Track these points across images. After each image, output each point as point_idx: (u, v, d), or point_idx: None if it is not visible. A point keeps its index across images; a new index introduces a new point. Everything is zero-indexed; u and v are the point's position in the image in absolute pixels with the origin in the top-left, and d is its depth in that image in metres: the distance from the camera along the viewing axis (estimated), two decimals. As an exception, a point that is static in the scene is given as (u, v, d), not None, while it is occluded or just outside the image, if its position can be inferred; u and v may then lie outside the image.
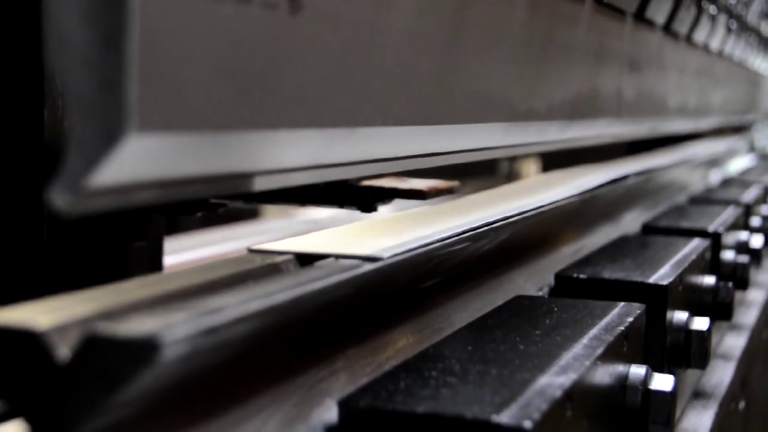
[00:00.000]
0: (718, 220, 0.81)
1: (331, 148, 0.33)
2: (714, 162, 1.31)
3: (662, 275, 0.54)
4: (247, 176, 0.30)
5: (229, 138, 0.27)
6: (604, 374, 0.39)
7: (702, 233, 0.75)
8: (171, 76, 0.24)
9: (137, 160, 0.23)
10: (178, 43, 0.24)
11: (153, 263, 0.51)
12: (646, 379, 0.43)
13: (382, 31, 0.35)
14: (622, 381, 0.43)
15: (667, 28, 0.86)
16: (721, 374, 0.69)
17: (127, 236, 0.49)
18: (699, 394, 0.65)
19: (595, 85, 0.66)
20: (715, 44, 1.13)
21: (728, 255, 0.78)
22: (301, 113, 0.30)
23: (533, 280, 0.55)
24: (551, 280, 0.55)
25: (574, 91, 0.61)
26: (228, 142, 0.27)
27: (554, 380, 0.33)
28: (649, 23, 0.79)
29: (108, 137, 0.22)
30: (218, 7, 0.25)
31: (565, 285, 0.53)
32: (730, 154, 1.51)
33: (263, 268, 0.35)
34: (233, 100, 0.26)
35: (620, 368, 0.42)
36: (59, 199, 0.22)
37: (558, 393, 0.32)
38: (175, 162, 0.25)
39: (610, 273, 0.54)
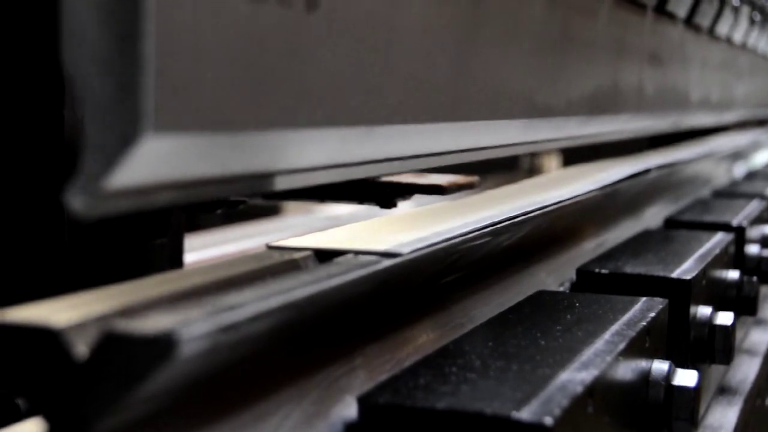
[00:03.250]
0: (742, 213, 0.80)
1: (349, 146, 0.33)
2: (738, 155, 1.30)
3: (685, 270, 0.54)
4: (265, 176, 0.30)
5: (246, 138, 0.27)
6: (627, 370, 0.38)
7: (726, 227, 0.74)
8: (187, 76, 0.23)
9: (154, 162, 0.23)
10: (194, 43, 0.24)
11: (173, 260, 0.51)
12: (669, 375, 0.43)
13: (399, 27, 0.35)
14: (645, 377, 0.42)
15: (689, 21, 0.85)
16: (746, 370, 0.69)
17: (148, 233, 0.49)
18: (724, 390, 0.64)
19: (616, 80, 0.65)
20: (738, 37, 1.12)
21: (753, 249, 0.78)
22: (319, 112, 0.30)
23: (555, 275, 0.55)
24: (573, 275, 0.54)
25: (593, 87, 0.60)
26: (245, 142, 0.27)
27: (576, 376, 0.33)
28: (671, 16, 0.78)
29: (124, 139, 0.22)
30: (234, 6, 0.25)
31: (587, 280, 0.53)
32: (755, 146, 1.49)
33: (282, 264, 0.35)
34: (250, 100, 0.26)
35: (643, 364, 0.42)
36: (76, 201, 0.22)
37: (579, 389, 0.31)
38: (193, 163, 0.25)
39: (632, 268, 0.54)
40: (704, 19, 0.90)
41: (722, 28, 1.01)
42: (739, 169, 1.29)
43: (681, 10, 0.80)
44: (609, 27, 0.62)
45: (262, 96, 0.27)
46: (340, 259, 0.36)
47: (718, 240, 0.65)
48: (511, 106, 0.47)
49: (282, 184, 0.31)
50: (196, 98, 0.24)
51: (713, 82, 1.04)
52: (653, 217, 0.79)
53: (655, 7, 0.73)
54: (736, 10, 1.04)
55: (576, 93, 0.57)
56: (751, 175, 1.27)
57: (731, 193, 1.01)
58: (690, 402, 0.44)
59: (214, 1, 0.24)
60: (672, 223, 0.77)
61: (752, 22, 1.17)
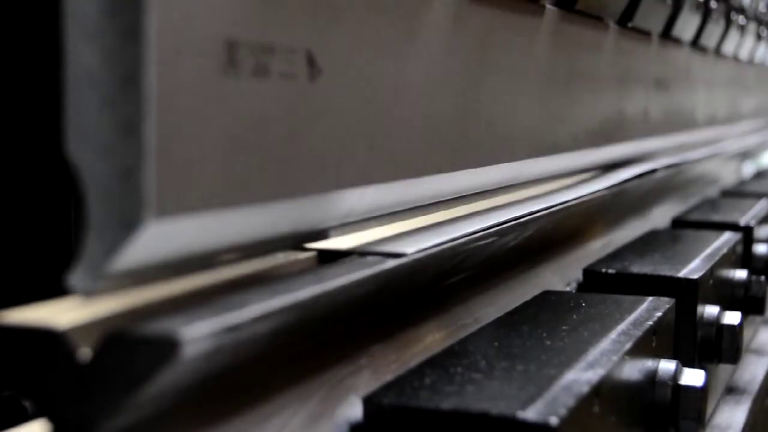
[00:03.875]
0: (750, 213, 0.80)
1: (353, 206, 0.34)
2: (746, 154, 1.30)
3: (692, 269, 0.53)
4: (269, 242, 0.30)
5: (249, 212, 0.27)
6: (633, 370, 0.38)
7: (733, 227, 0.74)
8: (190, 160, 0.24)
9: (156, 245, 0.24)
10: (197, 126, 0.24)
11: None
12: (676, 375, 0.43)
13: (402, 84, 0.35)
14: (652, 376, 0.42)
15: (695, 44, 0.85)
16: (754, 370, 0.69)
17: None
18: (732, 390, 0.64)
19: (623, 109, 0.65)
20: (744, 53, 1.11)
21: (761, 248, 0.77)
22: (326, 177, 0.30)
23: (561, 275, 0.55)
24: (579, 275, 0.54)
25: (601, 118, 0.60)
26: (248, 216, 0.27)
27: (581, 376, 0.33)
28: (676, 41, 0.78)
29: (126, 225, 0.23)
30: (237, 86, 0.25)
31: (594, 280, 0.53)
32: (763, 146, 1.49)
33: (286, 265, 0.35)
34: (253, 174, 0.27)
35: (649, 363, 0.41)
36: (79, 283, 0.23)
37: (585, 389, 0.31)
38: (196, 240, 0.25)
39: (639, 267, 0.53)
40: (710, 40, 0.90)
41: (729, 47, 1.00)
42: (748, 169, 1.28)
43: (686, 34, 0.80)
44: (615, 58, 0.62)
45: (266, 169, 0.27)
46: (345, 259, 0.36)
47: (725, 240, 0.65)
48: (516, 148, 0.47)
49: (282, 246, 0.31)
50: (199, 180, 0.24)
51: (720, 99, 1.03)
52: (660, 216, 0.78)
53: (660, 34, 0.73)
54: (742, 29, 1.03)
55: (583, 127, 0.57)
56: (760, 175, 1.26)
57: (739, 192, 1.01)
58: (697, 402, 0.43)
59: (218, 83, 0.24)
60: (679, 223, 0.76)
61: (759, 37, 1.17)
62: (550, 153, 0.52)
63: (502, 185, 0.49)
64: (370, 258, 0.35)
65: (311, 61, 0.29)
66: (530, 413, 0.29)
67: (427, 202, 0.41)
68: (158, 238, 0.23)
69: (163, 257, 0.24)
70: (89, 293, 0.23)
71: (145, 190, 0.22)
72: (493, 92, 0.44)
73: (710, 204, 0.89)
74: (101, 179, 0.23)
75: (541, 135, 0.51)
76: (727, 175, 1.15)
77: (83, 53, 0.22)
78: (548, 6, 0.49)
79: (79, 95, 0.23)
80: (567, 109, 0.54)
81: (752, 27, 1.10)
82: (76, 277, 0.23)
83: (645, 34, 0.69)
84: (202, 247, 0.26)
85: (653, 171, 0.76)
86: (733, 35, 1.00)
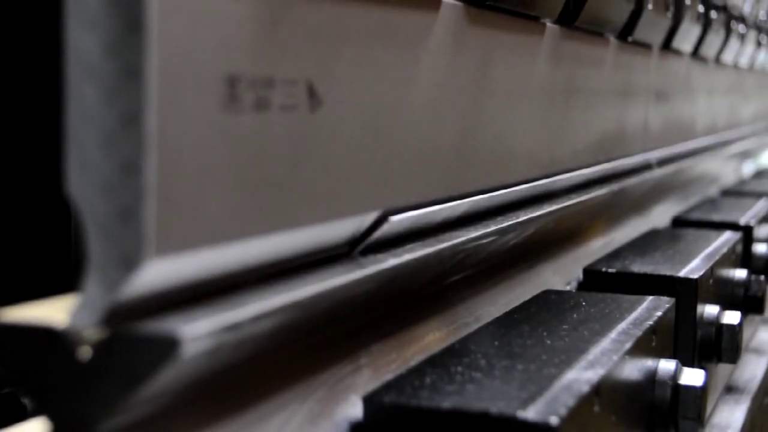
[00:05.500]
0: (750, 212, 0.80)
1: (356, 232, 0.34)
2: (746, 154, 1.30)
3: (692, 269, 0.53)
4: (272, 266, 0.30)
5: (251, 244, 0.27)
6: (633, 369, 0.38)
7: (733, 226, 0.74)
8: (191, 198, 0.24)
9: (157, 281, 0.24)
10: (198, 165, 0.24)
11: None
12: (676, 374, 0.43)
13: (403, 112, 0.35)
14: (652, 376, 0.42)
15: (695, 54, 0.85)
16: (753, 369, 0.69)
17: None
18: (731, 389, 0.64)
19: (624, 123, 0.65)
20: (744, 61, 1.11)
21: (760, 248, 0.77)
22: (329, 206, 0.30)
23: (561, 274, 0.55)
24: (579, 275, 0.54)
25: (599, 135, 0.60)
26: (250, 248, 0.27)
27: (582, 375, 0.33)
28: (676, 52, 0.78)
29: (126, 264, 0.23)
30: (238, 122, 0.25)
31: (594, 279, 0.53)
32: (764, 145, 1.49)
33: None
34: (256, 208, 0.27)
35: (649, 363, 0.41)
36: (80, 320, 0.23)
37: (585, 388, 0.31)
38: (195, 275, 0.25)
39: (639, 267, 0.53)
40: (710, 50, 0.90)
41: (728, 56, 1.00)
42: (748, 168, 1.28)
43: (687, 45, 0.80)
44: (615, 72, 0.62)
45: (268, 201, 0.27)
46: (344, 257, 0.36)
47: (725, 239, 0.65)
48: (519, 167, 0.47)
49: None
50: (200, 217, 0.24)
51: (720, 108, 1.03)
52: (661, 216, 0.78)
53: (660, 46, 0.73)
54: (742, 37, 1.03)
55: (582, 145, 0.57)
56: (760, 174, 1.26)
57: (739, 192, 1.01)
58: (697, 401, 0.43)
59: (219, 119, 0.24)
60: (679, 222, 0.76)
61: (759, 44, 1.17)
62: (555, 170, 0.52)
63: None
64: (370, 256, 0.35)
65: (312, 92, 0.29)
66: (530, 413, 0.29)
67: (430, 225, 0.41)
68: (158, 276, 0.23)
69: (164, 294, 0.24)
70: (89, 327, 0.23)
71: (145, 228, 0.22)
72: (496, 113, 0.43)
73: (710, 203, 0.89)
74: (101, 218, 0.23)
75: (545, 153, 0.50)
76: (727, 174, 1.15)
77: (84, 92, 0.22)
78: (549, 24, 0.49)
79: (80, 133, 0.23)
80: (571, 125, 0.54)
81: (752, 35, 1.10)
82: (75, 315, 0.23)
83: (645, 47, 0.69)
84: (203, 282, 0.26)
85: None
86: (733, 44, 1.00)
